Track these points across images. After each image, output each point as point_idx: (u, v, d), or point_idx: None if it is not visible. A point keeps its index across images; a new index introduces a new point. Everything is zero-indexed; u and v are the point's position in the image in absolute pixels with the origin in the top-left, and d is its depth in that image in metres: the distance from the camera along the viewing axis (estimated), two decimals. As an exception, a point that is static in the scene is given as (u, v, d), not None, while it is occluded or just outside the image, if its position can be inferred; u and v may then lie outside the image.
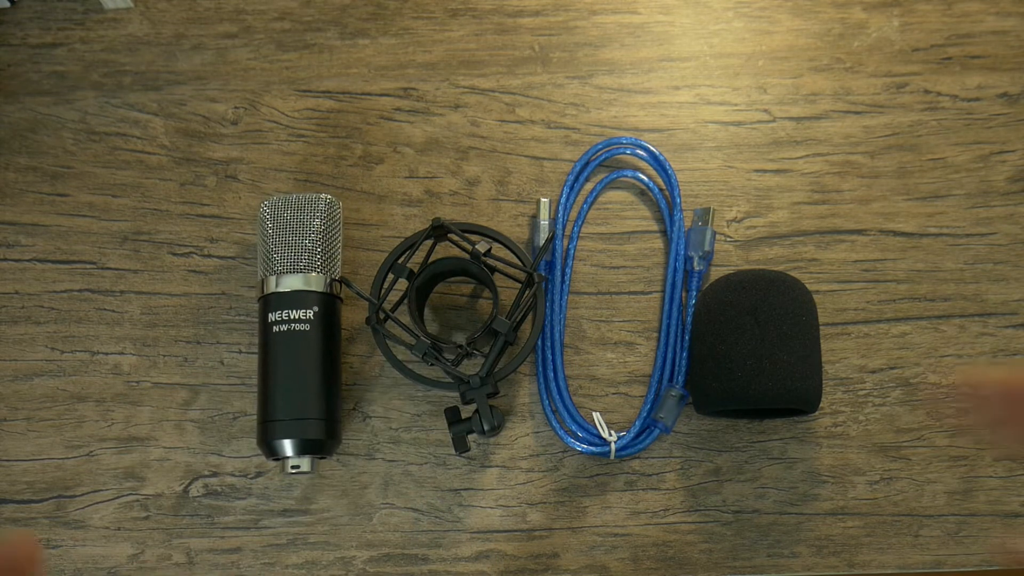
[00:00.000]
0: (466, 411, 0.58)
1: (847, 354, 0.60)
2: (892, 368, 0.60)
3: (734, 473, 0.59)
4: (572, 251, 0.62)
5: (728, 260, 0.62)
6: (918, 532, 0.58)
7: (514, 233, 0.63)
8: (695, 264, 0.60)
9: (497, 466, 0.59)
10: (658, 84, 0.65)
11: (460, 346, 0.56)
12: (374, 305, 0.57)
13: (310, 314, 0.56)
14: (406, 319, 0.57)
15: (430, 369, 0.59)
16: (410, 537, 0.58)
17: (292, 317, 0.55)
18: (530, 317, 0.60)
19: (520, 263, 0.58)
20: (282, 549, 0.58)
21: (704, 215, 0.61)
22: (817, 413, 0.59)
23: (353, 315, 0.61)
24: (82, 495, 0.59)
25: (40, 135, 0.65)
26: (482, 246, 0.56)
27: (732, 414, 0.58)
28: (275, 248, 0.56)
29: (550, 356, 0.60)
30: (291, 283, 0.56)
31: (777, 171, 0.63)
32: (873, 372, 0.60)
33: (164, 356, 0.61)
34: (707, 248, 0.60)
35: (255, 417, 0.57)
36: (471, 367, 0.60)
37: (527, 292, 0.57)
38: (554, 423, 0.59)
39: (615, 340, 0.61)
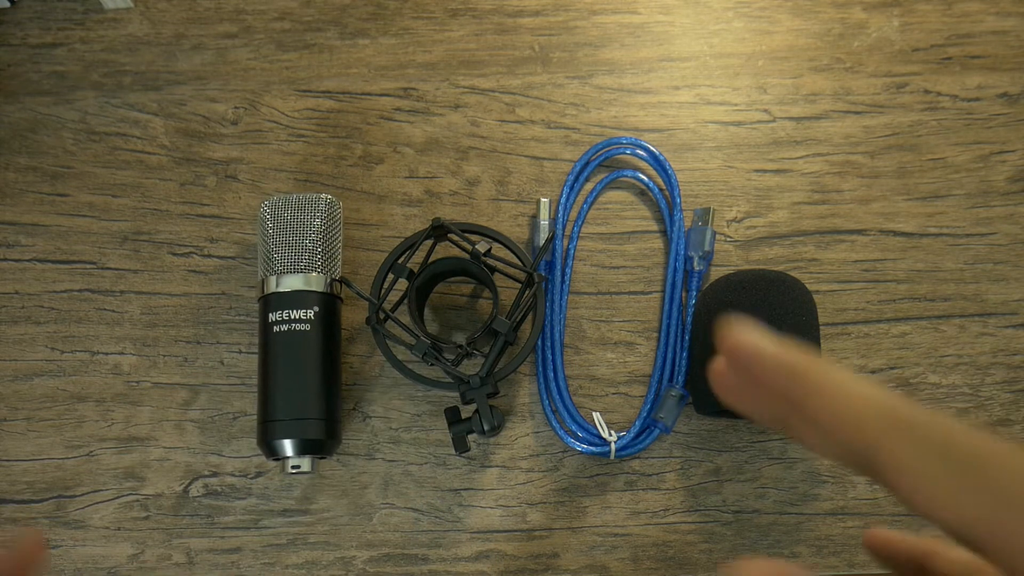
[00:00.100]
0: (466, 411, 0.58)
1: (847, 354, 0.60)
2: (892, 368, 0.60)
3: (734, 473, 0.59)
4: (572, 251, 0.62)
5: (728, 260, 0.62)
6: (918, 532, 0.58)
7: (514, 233, 0.63)
8: (695, 264, 0.60)
9: (497, 466, 0.59)
10: (658, 84, 0.65)
11: (460, 346, 0.56)
12: (374, 305, 0.57)
13: (310, 314, 0.56)
14: (406, 319, 0.57)
15: (430, 369, 0.59)
16: (410, 537, 0.58)
17: (292, 317, 0.55)
18: (530, 317, 0.60)
19: (520, 263, 0.58)
20: (282, 549, 0.58)
21: (704, 215, 0.61)
22: (817, 413, 0.59)
23: (353, 315, 0.61)
24: (82, 495, 0.59)
25: (40, 135, 0.65)
26: (482, 246, 0.56)
27: (732, 414, 0.58)
28: (275, 248, 0.56)
29: (550, 356, 0.60)
30: (291, 283, 0.56)
31: (777, 171, 0.63)
32: (873, 372, 0.60)
33: (164, 356, 0.61)
34: (707, 248, 0.60)
35: (255, 417, 0.57)
36: (471, 367, 0.60)
37: (527, 292, 0.57)
38: (554, 423, 0.59)
39: (615, 340, 0.61)
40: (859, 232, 0.62)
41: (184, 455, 0.60)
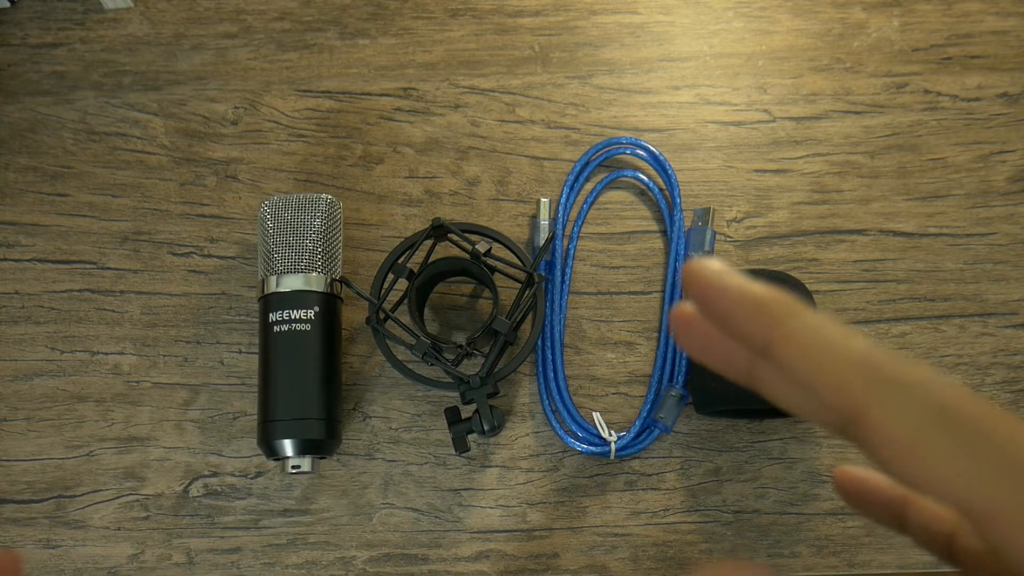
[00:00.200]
0: (466, 411, 0.58)
1: (847, 354, 0.60)
2: (892, 368, 0.60)
3: (734, 473, 0.59)
4: (572, 251, 0.62)
5: (728, 260, 0.62)
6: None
7: (514, 233, 0.63)
8: (695, 264, 0.60)
9: (497, 466, 0.59)
10: (658, 84, 0.65)
11: (460, 346, 0.56)
12: (374, 305, 0.57)
13: (311, 314, 0.56)
14: (406, 319, 0.57)
15: (430, 369, 0.59)
16: (410, 537, 0.58)
17: (293, 317, 0.55)
18: (530, 317, 0.60)
19: (520, 263, 0.58)
20: (282, 549, 0.58)
21: (704, 215, 0.61)
22: (817, 413, 0.59)
23: (353, 315, 0.61)
24: (82, 495, 0.59)
25: (40, 135, 0.65)
26: (482, 246, 0.56)
27: (732, 414, 0.59)
28: (275, 248, 0.56)
29: (550, 356, 0.60)
30: (291, 283, 0.56)
31: (777, 171, 0.63)
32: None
33: (164, 356, 0.61)
34: (707, 248, 0.60)
35: (255, 417, 0.57)
36: (471, 367, 0.60)
37: (527, 292, 0.57)
38: (554, 423, 0.59)
39: (615, 340, 0.61)
40: (859, 232, 0.62)
41: (184, 455, 0.60)
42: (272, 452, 0.55)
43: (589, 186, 0.63)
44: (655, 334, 0.61)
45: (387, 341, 0.57)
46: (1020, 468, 0.21)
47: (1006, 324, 0.61)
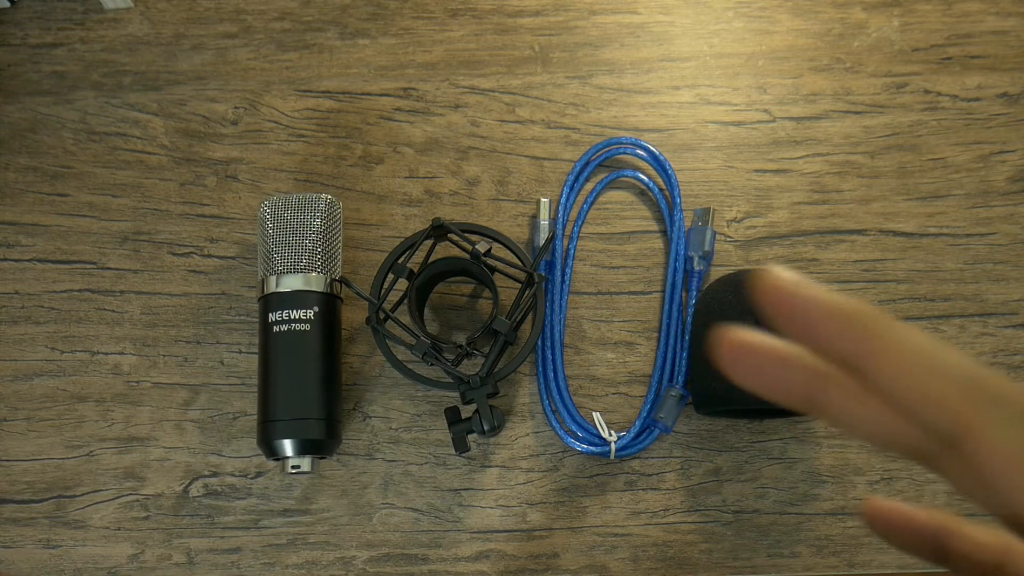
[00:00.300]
0: (466, 411, 0.58)
1: (847, 354, 0.60)
2: (892, 368, 0.60)
3: (734, 473, 0.59)
4: (572, 251, 0.62)
5: (728, 260, 0.62)
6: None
7: (514, 233, 0.63)
8: (695, 264, 0.60)
9: (497, 466, 0.59)
10: (658, 84, 0.65)
11: (460, 346, 0.56)
12: (374, 305, 0.57)
13: (310, 314, 0.56)
14: (406, 319, 0.57)
15: (430, 369, 0.59)
16: (410, 537, 0.58)
17: (292, 317, 0.55)
18: (530, 317, 0.60)
19: (520, 263, 0.58)
20: (282, 549, 0.58)
21: (704, 215, 0.61)
22: (817, 413, 0.59)
23: (353, 315, 0.61)
24: (82, 495, 0.59)
25: (40, 135, 0.65)
26: (482, 246, 0.56)
27: (732, 414, 0.58)
28: (275, 248, 0.56)
29: (550, 356, 0.60)
30: (291, 283, 0.56)
31: (777, 171, 0.63)
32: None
33: (164, 356, 0.61)
34: (707, 248, 0.60)
35: (255, 417, 0.57)
36: (471, 367, 0.60)
37: (527, 292, 0.57)
38: (554, 423, 0.59)
39: (615, 340, 0.61)
40: (859, 232, 0.62)
41: (184, 455, 0.60)
42: (272, 452, 0.55)
43: (589, 186, 0.63)
44: (655, 334, 0.61)
45: (387, 341, 0.57)
46: None
47: (1006, 324, 0.61)
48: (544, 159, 0.64)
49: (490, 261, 0.57)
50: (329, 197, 0.57)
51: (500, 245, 0.59)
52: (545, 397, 0.59)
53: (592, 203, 0.63)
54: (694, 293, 0.60)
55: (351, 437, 0.60)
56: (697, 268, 0.60)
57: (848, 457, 0.59)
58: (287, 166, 0.64)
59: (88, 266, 0.62)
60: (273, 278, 0.56)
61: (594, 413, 0.59)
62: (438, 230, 0.57)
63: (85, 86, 0.66)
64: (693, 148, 0.64)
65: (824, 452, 0.59)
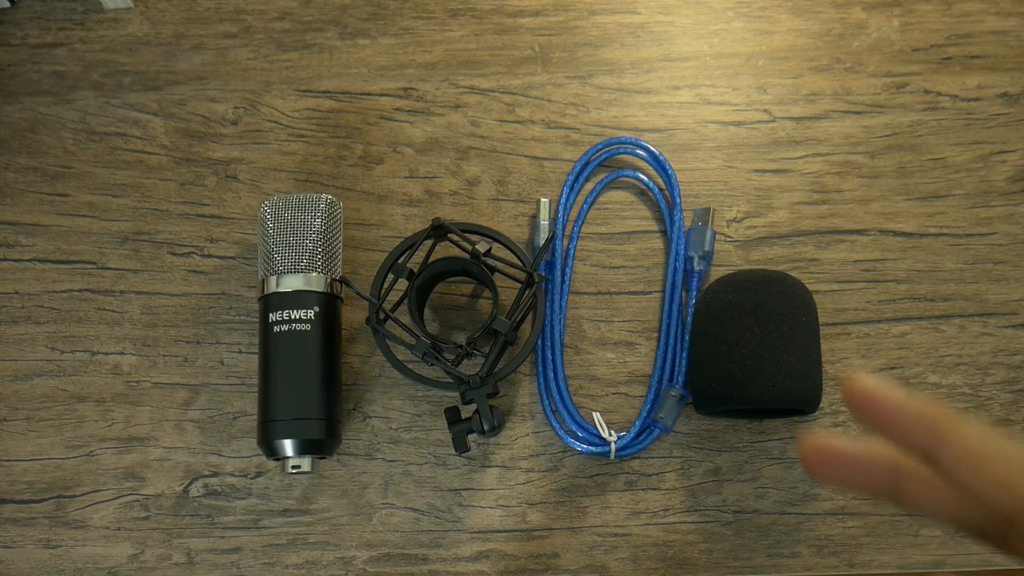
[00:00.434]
0: (466, 411, 0.58)
1: (847, 354, 0.60)
2: (892, 368, 0.60)
3: (734, 473, 0.59)
4: (572, 251, 0.62)
5: (728, 260, 0.62)
6: (918, 532, 0.58)
7: (514, 233, 0.63)
8: (695, 264, 0.60)
9: (497, 466, 0.59)
10: (658, 84, 0.65)
11: (460, 346, 0.56)
12: (374, 305, 0.57)
13: (311, 314, 0.56)
14: (406, 319, 0.57)
15: (430, 369, 0.59)
16: (410, 537, 0.58)
17: (293, 317, 0.55)
18: (530, 317, 0.60)
19: (520, 263, 0.58)
20: (282, 549, 0.58)
21: (704, 215, 0.61)
22: (817, 413, 0.59)
23: (353, 315, 0.61)
24: (82, 495, 0.59)
25: (40, 135, 0.65)
26: (482, 246, 0.56)
27: (732, 414, 0.59)
28: (276, 248, 0.56)
29: (550, 356, 0.60)
30: (292, 283, 0.56)
31: (777, 171, 0.63)
32: (873, 372, 0.60)
33: (164, 356, 0.61)
34: (707, 248, 0.60)
35: (255, 417, 0.57)
36: (471, 367, 0.60)
37: (527, 292, 0.57)
38: (554, 423, 0.59)
39: (615, 340, 0.61)
40: (859, 232, 0.62)
41: (184, 455, 0.60)
42: (272, 452, 0.55)
43: (589, 186, 0.63)
44: (655, 334, 0.61)
45: (387, 341, 0.57)
46: None
47: (1006, 324, 0.61)
48: (544, 159, 0.64)
49: (490, 261, 0.57)
50: (329, 197, 0.57)
51: (500, 245, 0.59)
52: (545, 397, 0.59)
53: (592, 203, 0.63)
54: (694, 293, 0.60)
55: (351, 437, 0.60)
56: (697, 268, 0.60)
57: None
58: (287, 166, 0.64)
59: (88, 266, 0.62)
60: (273, 278, 0.56)
61: (594, 413, 0.59)
62: (438, 230, 0.57)
63: (85, 86, 0.66)
64: (693, 148, 0.64)
65: (824, 452, 0.59)
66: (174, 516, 0.59)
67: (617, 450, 0.58)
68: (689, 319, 0.59)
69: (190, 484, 0.59)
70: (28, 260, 0.63)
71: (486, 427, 0.56)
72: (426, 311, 0.61)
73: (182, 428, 0.60)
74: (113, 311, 0.62)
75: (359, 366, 0.61)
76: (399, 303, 0.58)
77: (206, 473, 0.59)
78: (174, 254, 0.63)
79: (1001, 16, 0.66)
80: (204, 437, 0.60)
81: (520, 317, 0.57)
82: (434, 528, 0.58)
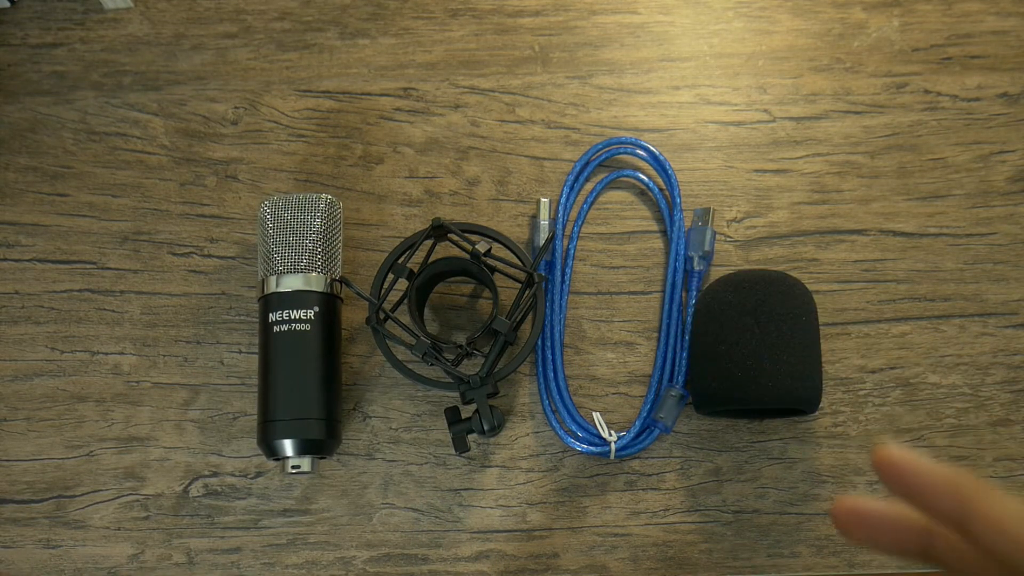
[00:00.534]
0: (466, 411, 0.58)
1: (847, 354, 0.60)
2: (892, 368, 0.60)
3: (734, 473, 0.59)
4: (572, 251, 0.62)
5: (728, 260, 0.62)
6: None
7: (514, 233, 0.63)
8: (695, 264, 0.60)
9: (497, 466, 0.59)
10: (658, 84, 0.65)
11: (460, 346, 0.56)
12: (374, 305, 0.57)
13: (310, 314, 0.56)
14: (406, 319, 0.57)
15: (430, 369, 0.59)
16: (410, 537, 0.58)
17: (293, 317, 0.55)
18: (530, 317, 0.60)
19: (520, 263, 0.58)
20: (282, 549, 0.58)
21: (704, 215, 0.61)
22: (817, 413, 0.59)
23: (353, 315, 0.61)
24: (82, 495, 0.59)
25: (40, 135, 0.65)
26: (482, 246, 0.56)
27: (732, 414, 0.58)
28: (275, 248, 0.56)
29: (550, 356, 0.60)
30: (291, 283, 0.56)
31: (777, 171, 0.63)
32: (873, 372, 0.60)
33: (164, 356, 0.61)
34: (707, 248, 0.60)
35: (255, 417, 0.57)
36: (471, 367, 0.60)
37: (527, 292, 0.57)
38: (554, 423, 0.59)
39: (615, 340, 0.61)
40: (859, 232, 0.62)
41: (184, 455, 0.60)
42: (272, 452, 0.55)
43: (589, 186, 0.63)
44: (655, 334, 0.61)
45: (387, 341, 0.57)
46: None
47: (1006, 324, 0.61)
48: (544, 159, 0.64)
49: (490, 261, 0.57)
50: (329, 197, 0.57)
51: (500, 245, 0.59)
52: (545, 397, 0.59)
53: (592, 203, 0.63)
54: (694, 293, 0.60)
55: (351, 437, 0.60)
56: (697, 268, 0.60)
57: (848, 457, 0.59)
58: (287, 166, 0.64)
59: (88, 266, 0.62)
60: (273, 278, 0.56)
61: (594, 413, 0.59)
62: (438, 230, 0.57)
63: (85, 86, 0.66)
64: (693, 148, 0.64)
65: (824, 452, 0.59)
66: (174, 516, 0.59)
67: (617, 450, 0.58)
68: (689, 319, 0.59)
69: (190, 484, 0.59)
70: (28, 260, 0.63)
71: (486, 427, 0.56)
72: (426, 311, 0.61)
73: (182, 428, 0.60)
74: (113, 311, 0.62)
75: (359, 366, 0.61)
76: (399, 303, 0.58)
77: (206, 473, 0.59)
78: (174, 254, 0.63)
79: (1001, 16, 0.66)
80: (204, 437, 0.60)
81: (520, 317, 0.57)
82: (434, 528, 0.58)
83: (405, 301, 0.57)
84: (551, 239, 0.61)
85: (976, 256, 0.62)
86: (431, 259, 0.58)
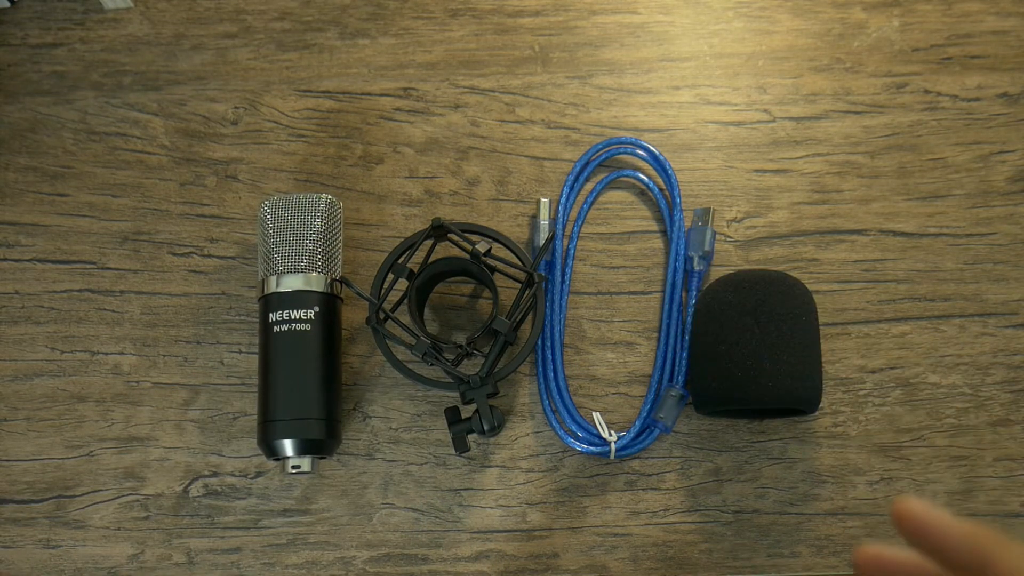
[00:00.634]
0: (466, 411, 0.58)
1: (847, 354, 0.60)
2: (892, 368, 0.60)
3: (734, 473, 0.59)
4: (572, 251, 0.62)
5: (728, 260, 0.62)
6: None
7: (514, 233, 0.63)
8: (695, 264, 0.60)
9: (497, 466, 0.59)
10: (658, 84, 0.65)
11: (460, 346, 0.56)
12: (374, 305, 0.57)
13: (311, 314, 0.56)
14: (406, 319, 0.57)
15: (430, 369, 0.59)
16: (410, 537, 0.58)
17: (293, 317, 0.55)
18: (530, 317, 0.60)
19: (520, 263, 0.58)
20: (282, 549, 0.58)
21: (704, 215, 0.61)
22: (817, 413, 0.59)
23: (353, 315, 0.61)
24: (82, 495, 0.59)
25: (40, 135, 0.65)
26: (482, 246, 0.56)
27: (732, 414, 0.58)
28: (276, 248, 0.56)
29: (550, 356, 0.60)
30: (292, 283, 0.56)
31: (777, 171, 0.63)
32: (873, 372, 0.60)
33: (164, 356, 0.61)
34: (707, 248, 0.60)
35: (255, 417, 0.57)
36: (471, 367, 0.60)
37: (527, 292, 0.57)
38: (554, 423, 0.59)
39: (615, 340, 0.61)
40: (859, 232, 0.62)
41: (184, 455, 0.60)
42: (272, 452, 0.55)
43: (589, 186, 0.63)
44: (655, 334, 0.61)
45: (387, 341, 0.57)
46: None
47: (1006, 324, 0.61)
48: (544, 159, 0.64)
49: (490, 261, 0.57)
50: (329, 197, 0.57)
51: (500, 245, 0.59)
52: (545, 397, 0.59)
53: (592, 203, 0.63)
54: (694, 293, 0.60)
55: (351, 437, 0.60)
56: (697, 268, 0.60)
57: (848, 457, 0.59)
58: (287, 166, 0.64)
59: (88, 266, 0.62)
60: (273, 278, 0.56)
61: (594, 413, 0.59)
62: (438, 230, 0.57)
63: (85, 86, 0.66)
64: (693, 148, 0.64)
65: (824, 452, 0.59)
66: (174, 516, 0.59)
67: (617, 450, 0.58)
68: (689, 319, 0.59)
69: (190, 484, 0.59)
70: (28, 260, 0.63)
71: (486, 427, 0.56)
72: (426, 311, 0.61)
73: (182, 428, 0.60)
74: (113, 311, 0.62)
75: (359, 366, 0.61)
76: (399, 303, 0.58)
77: (206, 473, 0.59)
78: (174, 254, 0.63)
79: (1001, 16, 0.66)
80: (204, 437, 0.60)
81: (520, 317, 0.57)
82: (434, 528, 0.58)
83: (405, 301, 0.57)
84: (551, 239, 0.61)
85: (976, 256, 0.62)
86: (431, 259, 0.58)
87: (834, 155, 0.63)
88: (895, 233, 0.62)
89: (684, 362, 0.59)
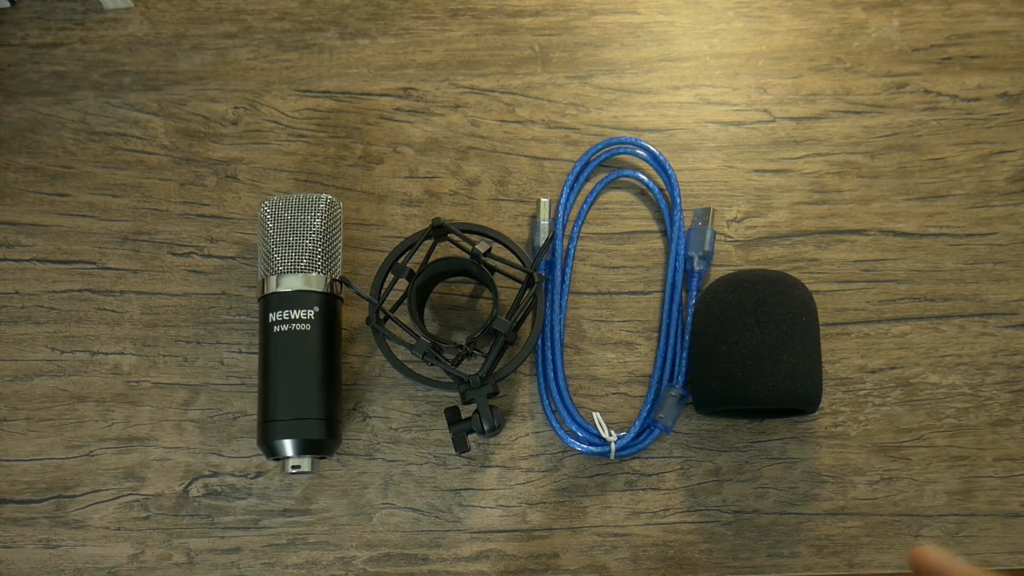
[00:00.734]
0: (466, 411, 0.58)
1: (847, 354, 0.60)
2: (892, 368, 0.60)
3: (734, 473, 0.59)
4: (572, 251, 0.62)
5: (728, 260, 0.62)
6: (918, 532, 0.58)
7: (514, 233, 0.63)
8: (695, 264, 0.60)
9: (497, 466, 0.59)
10: (658, 84, 0.65)
11: (460, 346, 0.56)
12: (374, 305, 0.57)
13: (311, 314, 0.56)
14: (406, 319, 0.57)
15: (430, 369, 0.59)
16: (410, 537, 0.58)
17: (293, 317, 0.55)
18: (530, 317, 0.60)
19: (520, 263, 0.58)
20: (282, 549, 0.58)
21: (704, 215, 0.61)
22: (817, 413, 0.59)
23: (353, 315, 0.61)
24: (82, 495, 0.59)
25: (40, 135, 0.65)
26: (482, 246, 0.56)
27: (732, 414, 0.59)
28: (275, 248, 0.56)
29: (550, 356, 0.60)
30: (292, 283, 0.56)
31: (777, 171, 0.63)
32: (873, 372, 0.60)
33: (164, 356, 0.61)
34: (707, 248, 0.60)
35: (255, 417, 0.57)
36: (471, 367, 0.60)
37: (527, 292, 0.57)
38: (554, 423, 0.59)
39: (615, 340, 0.61)
40: (859, 232, 0.62)
41: (184, 455, 0.60)
42: (272, 452, 0.55)
43: (589, 186, 0.63)
44: (655, 334, 0.61)
45: (387, 341, 0.57)
46: None
47: (1006, 324, 0.61)
48: (544, 159, 0.64)
49: (490, 261, 0.57)
50: (329, 197, 0.57)
51: (500, 245, 0.59)
52: (545, 397, 0.59)
53: (592, 203, 0.63)
54: (694, 293, 0.60)
55: (351, 437, 0.60)
56: (697, 268, 0.60)
57: (848, 457, 0.59)
58: (287, 166, 0.64)
59: (88, 266, 0.62)
60: (273, 278, 0.56)
61: (594, 413, 0.59)
62: (438, 230, 0.57)
63: (85, 86, 0.66)
64: (693, 148, 0.64)
65: (824, 452, 0.59)
66: (174, 516, 0.59)
67: (617, 450, 0.58)
68: (689, 319, 0.59)
69: (190, 484, 0.59)
70: (28, 260, 0.63)
71: (486, 427, 0.56)
72: (426, 311, 0.61)
73: (182, 428, 0.60)
74: (113, 311, 0.62)
75: (359, 366, 0.61)
76: (399, 303, 0.58)
77: (206, 473, 0.59)
78: (174, 254, 0.63)
79: (1001, 16, 0.66)
80: (204, 437, 0.60)
81: (520, 317, 0.57)
82: (434, 528, 0.58)
83: (405, 301, 0.57)
84: (551, 239, 0.61)
85: (976, 256, 0.62)
86: (431, 259, 0.58)
87: (834, 155, 0.63)
88: (895, 233, 0.62)
89: (684, 362, 0.59)
